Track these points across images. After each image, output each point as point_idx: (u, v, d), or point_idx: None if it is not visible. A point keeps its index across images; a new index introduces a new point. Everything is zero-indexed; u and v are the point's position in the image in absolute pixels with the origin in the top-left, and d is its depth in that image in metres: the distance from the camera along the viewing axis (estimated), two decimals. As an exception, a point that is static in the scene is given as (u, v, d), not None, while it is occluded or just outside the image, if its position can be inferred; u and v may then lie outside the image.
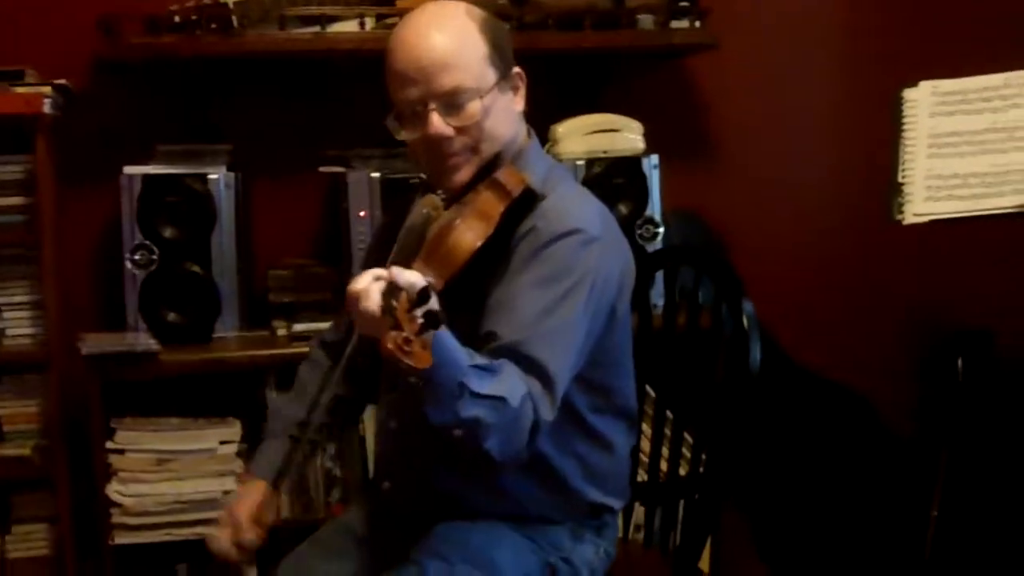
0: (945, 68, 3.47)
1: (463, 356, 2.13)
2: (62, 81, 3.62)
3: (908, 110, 3.43)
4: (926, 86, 3.43)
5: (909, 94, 3.44)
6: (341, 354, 2.48)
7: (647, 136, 3.84)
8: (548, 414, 2.24)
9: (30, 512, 3.65)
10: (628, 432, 2.60)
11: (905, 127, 3.43)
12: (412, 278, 2.03)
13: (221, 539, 2.54)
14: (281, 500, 2.51)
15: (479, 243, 2.25)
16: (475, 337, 2.26)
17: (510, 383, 2.18)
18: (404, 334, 1.91)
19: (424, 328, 1.93)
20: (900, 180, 3.40)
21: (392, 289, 2.00)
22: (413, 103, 2.36)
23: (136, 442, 3.50)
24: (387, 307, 1.97)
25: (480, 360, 2.17)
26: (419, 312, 1.94)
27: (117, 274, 3.65)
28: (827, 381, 4.14)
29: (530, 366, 2.23)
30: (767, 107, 4.32)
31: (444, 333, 2.07)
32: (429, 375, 2.00)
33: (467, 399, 2.11)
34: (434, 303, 1.99)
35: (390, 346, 1.90)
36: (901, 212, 3.39)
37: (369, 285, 2.06)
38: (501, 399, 2.15)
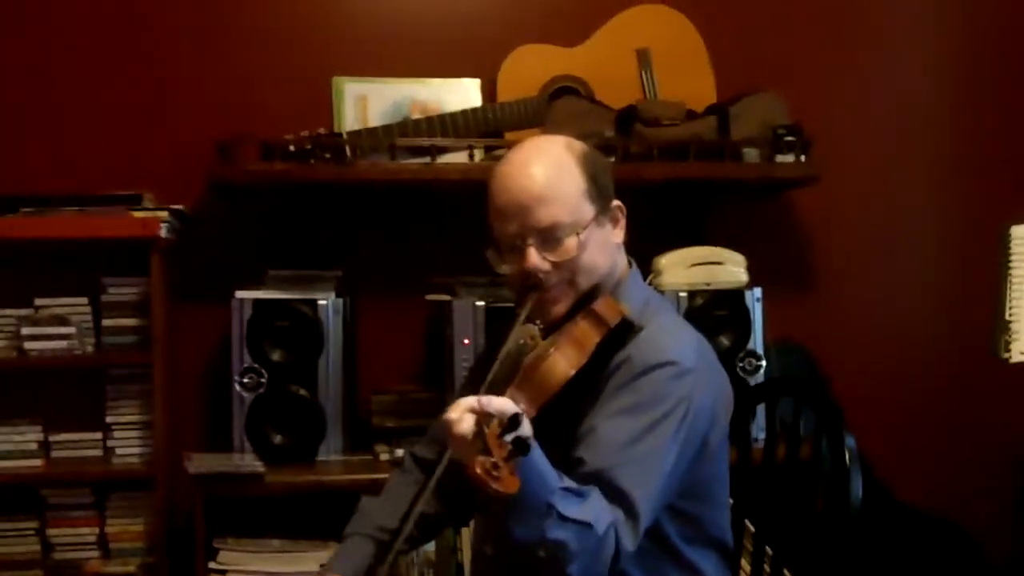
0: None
1: (554, 477, 2.14)
2: (178, 206, 3.72)
3: (1015, 247, 3.41)
4: (1034, 223, 3.42)
5: (1016, 231, 3.42)
6: (432, 469, 2.49)
7: (750, 268, 3.85)
8: (630, 544, 2.23)
9: (134, 630, 3.70)
10: (721, 563, 2.56)
11: (1012, 264, 3.41)
12: (503, 405, 2.05)
13: None
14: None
15: (572, 372, 2.27)
16: (565, 463, 2.25)
17: (596, 509, 2.18)
18: (493, 459, 1.92)
19: (513, 454, 1.95)
20: (1007, 317, 3.37)
21: (484, 415, 2.02)
22: (512, 237, 2.38)
23: (238, 563, 3.52)
24: (478, 432, 1.99)
25: (569, 483, 2.18)
26: (509, 438, 1.96)
27: (225, 395, 3.70)
28: (929, 516, 4.05)
29: (615, 494, 2.23)
30: (870, 240, 4.33)
31: (536, 452, 2.08)
32: (516, 493, 2.01)
33: (554, 520, 2.11)
34: (524, 429, 2.00)
35: (478, 471, 1.91)
36: (1008, 350, 3.35)
37: (463, 411, 2.08)
38: (587, 524, 2.15)
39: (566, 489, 2.15)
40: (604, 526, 2.17)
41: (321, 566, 2.69)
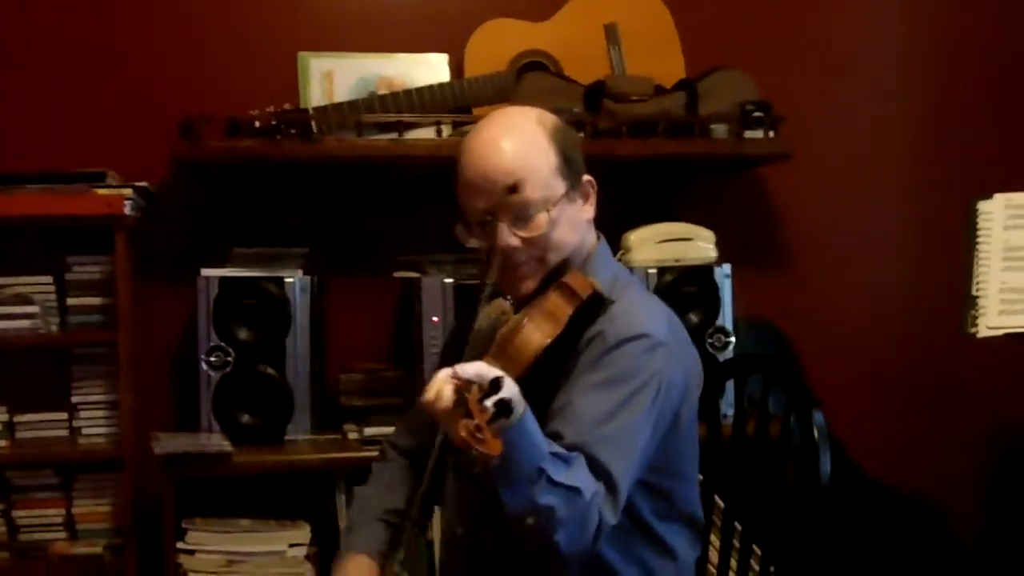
0: (1019, 180, 3.46)
1: (544, 442, 2.14)
2: (142, 183, 3.68)
3: (982, 222, 3.42)
4: (1000, 198, 3.42)
5: (983, 206, 3.43)
6: (416, 456, 2.47)
7: (719, 245, 3.85)
8: (611, 517, 2.23)
9: (102, 611, 3.67)
10: (692, 540, 2.56)
11: (979, 239, 3.42)
12: (479, 369, 2.06)
13: None
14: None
15: (547, 342, 2.26)
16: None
17: (583, 476, 2.19)
18: (475, 422, 1.93)
19: (495, 417, 1.96)
20: (974, 292, 3.38)
21: (464, 382, 2.02)
22: (481, 213, 2.37)
23: (206, 543, 3.50)
24: (459, 399, 2.00)
25: (558, 449, 2.18)
26: (490, 402, 1.97)
27: (192, 375, 3.68)
28: (898, 494, 4.06)
29: (595, 468, 2.22)
30: (840, 217, 4.33)
31: (528, 417, 2.09)
32: (507, 458, 2.01)
33: (544, 485, 2.11)
34: (507, 392, 2.01)
35: (462, 434, 1.93)
36: (975, 325, 3.37)
37: (440, 383, 2.07)
38: (576, 490, 2.15)
39: (555, 455, 2.15)
40: (590, 493, 2.17)
41: (335, 553, 2.65)
